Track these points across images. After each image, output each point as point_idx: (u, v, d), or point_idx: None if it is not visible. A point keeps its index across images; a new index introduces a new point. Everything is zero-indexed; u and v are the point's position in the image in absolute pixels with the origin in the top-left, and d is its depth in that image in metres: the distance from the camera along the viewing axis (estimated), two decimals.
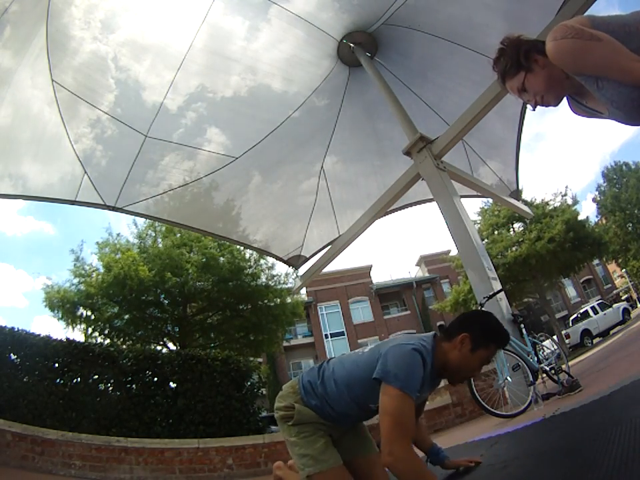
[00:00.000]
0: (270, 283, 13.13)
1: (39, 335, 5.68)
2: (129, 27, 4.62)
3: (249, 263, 12.79)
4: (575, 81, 1.14)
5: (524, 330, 3.95)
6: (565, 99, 1.24)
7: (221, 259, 12.22)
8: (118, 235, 12.64)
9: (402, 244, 62.12)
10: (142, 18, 4.57)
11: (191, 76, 5.14)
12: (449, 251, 24.46)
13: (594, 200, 27.26)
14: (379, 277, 47.59)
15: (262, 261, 12.98)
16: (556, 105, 1.21)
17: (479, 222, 18.01)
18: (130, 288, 10.98)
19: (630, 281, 27.59)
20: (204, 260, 11.88)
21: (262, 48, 5.19)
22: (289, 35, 5.13)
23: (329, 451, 1.51)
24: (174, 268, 11.44)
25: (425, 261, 31.69)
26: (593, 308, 16.47)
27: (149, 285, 11.25)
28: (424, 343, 1.47)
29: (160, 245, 12.39)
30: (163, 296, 12.30)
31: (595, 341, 14.99)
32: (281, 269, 13.70)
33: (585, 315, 16.43)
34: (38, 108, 4.66)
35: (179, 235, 12.39)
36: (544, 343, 4.73)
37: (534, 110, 1.25)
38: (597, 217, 26.36)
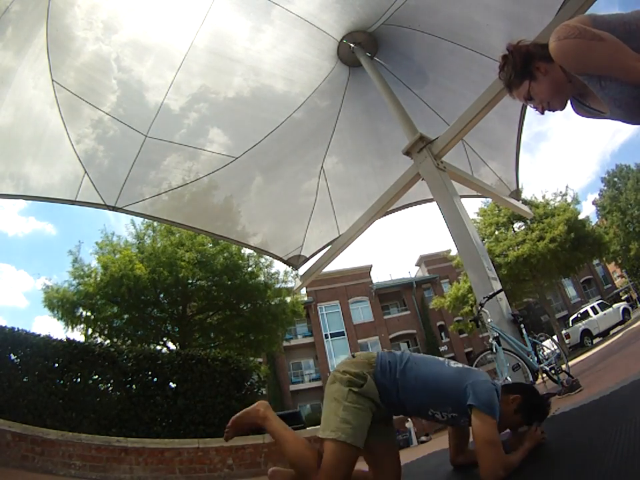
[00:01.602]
0: (269, 281, 13.13)
1: (39, 335, 5.68)
2: (131, 27, 4.61)
3: (247, 262, 12.79)
4: (577, 83, 1.15)
5: (524, 330, 3.96)
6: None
7: (219, 257, 12.22)
8: (112, 233, 12.66)
9: (402, 244, 62.13)
10: (145, 18, 4.56)
11: (194, 76, 5.13)
12: (449, 251, 24.46)
13: (594, 203, 27.37)
14: (379, 276, 47.44)
15: (261, 260, 12.98)
16: (562, 108, 1.23)
17: (479, 221, 18.01)
18: (127, 287, 10.99)
19: (630, 281, 27.57)
20: (201, 258, 11.87)
21: (264, 49, 5.18)
22: (290, 36, 5.12)
23: (365, 432, 1.60)
24: (169, 266, 11.45)
25: (425, 260, 31.71)
26: (592, 308, 16.44)
27: (146, 284, 11.25)
28: (498, 387, 1.69)
29: (159, 245, 12.39)
30: (162, 295, 12.31)
31: (595, 340, 14.99)
32: (279, 267, 13.72)
33: (585, 314, 16.40)
34: (39, 108, 4.65)
35: (177, 235, 12.40)
36: (544, 343, 4.74)
37: (542, 114, 1.26)
38: (597, 217, 26.42)
